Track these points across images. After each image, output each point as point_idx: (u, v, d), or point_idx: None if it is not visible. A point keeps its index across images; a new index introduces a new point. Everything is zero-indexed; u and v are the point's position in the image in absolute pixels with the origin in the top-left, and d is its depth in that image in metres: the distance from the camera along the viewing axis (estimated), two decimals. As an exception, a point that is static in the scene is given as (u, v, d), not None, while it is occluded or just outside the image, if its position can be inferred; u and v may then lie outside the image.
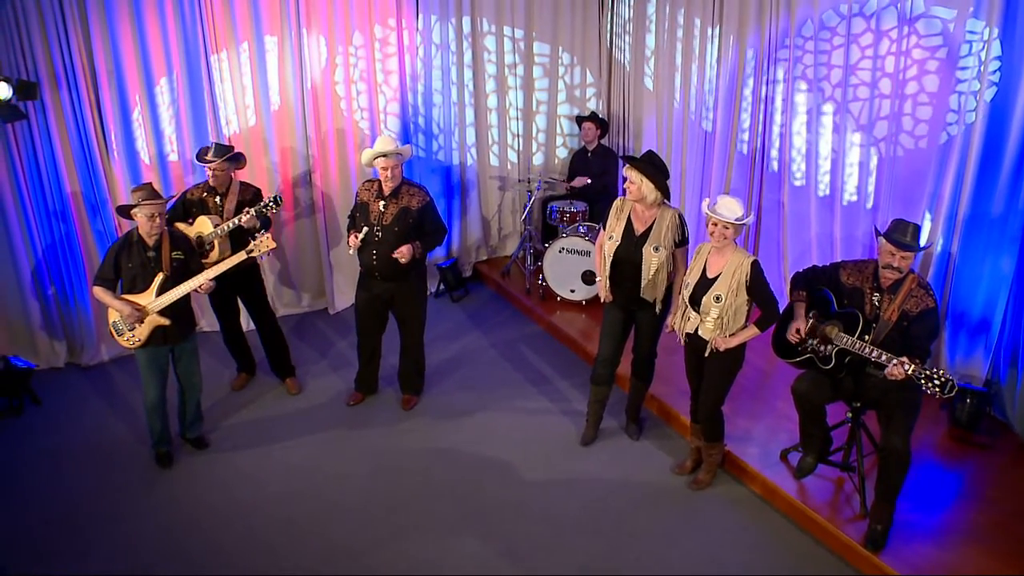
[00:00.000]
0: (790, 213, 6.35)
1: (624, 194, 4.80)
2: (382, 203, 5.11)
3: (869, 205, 5.74)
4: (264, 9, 6.28)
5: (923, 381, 3.74)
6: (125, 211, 4.71)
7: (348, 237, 5.23)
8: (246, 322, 5.94)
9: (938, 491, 4.65)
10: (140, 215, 4.59)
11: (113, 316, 4.74)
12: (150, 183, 4.76)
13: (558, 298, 6.96)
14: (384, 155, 4.99)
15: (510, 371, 6.19)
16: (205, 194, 5.37)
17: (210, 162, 5.24)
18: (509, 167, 7.85)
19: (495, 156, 7.79)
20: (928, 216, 5.32)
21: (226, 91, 6.37)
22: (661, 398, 5.50)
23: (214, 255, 5.19)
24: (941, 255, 5.30)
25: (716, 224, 4.27)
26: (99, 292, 4.74)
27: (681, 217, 4.77)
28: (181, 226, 5.32)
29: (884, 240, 4.07)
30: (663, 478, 4.93)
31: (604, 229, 4.87)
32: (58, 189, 5.94)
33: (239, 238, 5.20)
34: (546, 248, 6.90)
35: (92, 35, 5.79)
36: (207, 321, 6.64)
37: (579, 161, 7.49)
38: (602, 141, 7.40)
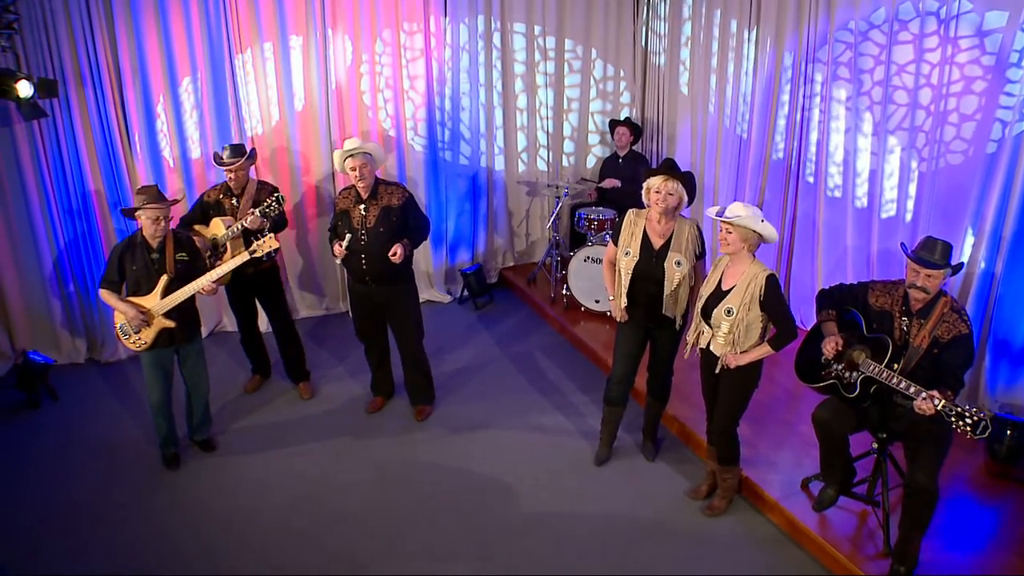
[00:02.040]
0: (825, 225, 6.01)
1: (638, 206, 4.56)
2: (362, 207, 4.93)
3: (908, 219, 5.38)
4: (289, 9, 6.20)
5: (953, 419, 3.41)
6: (131, 213, 4.64)
7: (332, 248, 5.05)
8: (264, 324, 5.85)
9: (971, 530, 4.28)
10: (144, 218, 4.51)
11: (119, 319, 4.67)
12: (155, 185, 4.67)
13: (582, 308, 6.73)
14: (351, 155, 4.82)
15: (526, 383, 5.98)
16: (221, 196, 5.30)
17: (228, 165, 5.15)
18: (538, 172, 7.65)
19: (523, 162, 7.60)
20: (971, 233, 4.95)
21: (250, 91, 6.31)
22: (680, 418, 5.23)
23: (227, 258, 5.09)
24: (984, 275, 4.92)
25: (720, 228, 4.03)
26: (105, 295, 4.68)
27: (699, 228, 4.50)
28: (199, 228, 5.25)
29: (909, 258, 3.75)
30: (677, 502, 4.66)
31: (614, 243, 4.61)
32: (81, 187, 5.94)
33: (257, 237, 5.06)
34: (571, 256, 6.66)
35: (117, 34, 5.79)
36: (229, 320, 6.60)
37: (610, 167, 7.25)
38: (634, 147, 7.13)
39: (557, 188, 7.07)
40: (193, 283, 4.62)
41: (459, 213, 7.40)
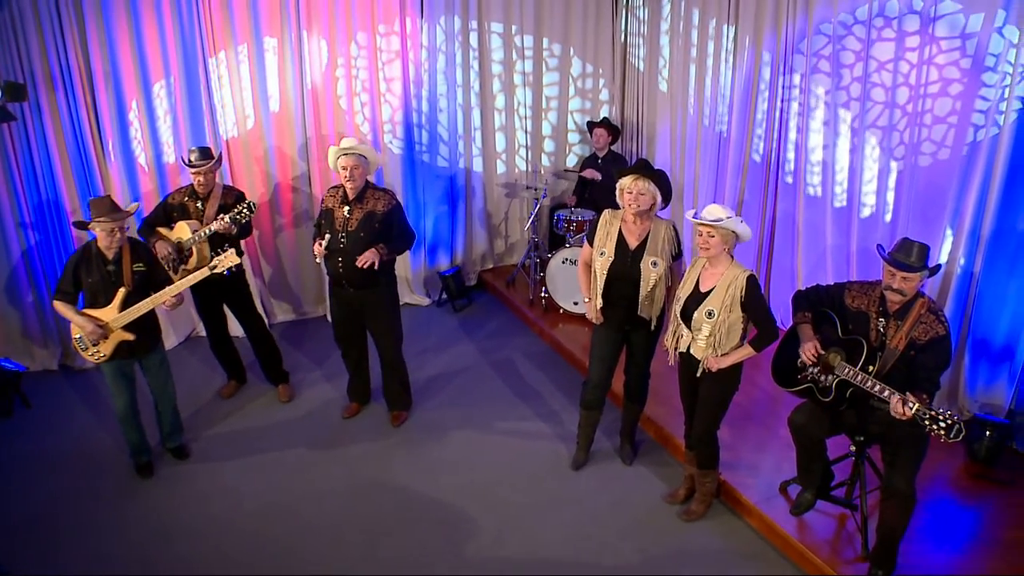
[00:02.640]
0: (804, 225, 5.93)
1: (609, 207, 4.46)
2: (346, 208, 4.82)
3: (888, 218, 5.30)
4: (263, 10, 6.08)
5: (927, 422, 3.33)
6: (83, 227, 4.44)
7: (313, 246, 4.95)
8: (236, 328, 5.74)
9: (950, 532, 4.21)
10: (98, 230, 4.34)
11: (76, 331, 4.50)
12: (109, 196, 4.47)
13: (561, 310, 6.63)
14: (345, 153, 4.71)
15: (504, 387, 5.88)
16: (186, 199, 5.17)
17: (197, 167, 5.04)
18: (517, 173, 7.55)
19: (502, 163, 7.49)
20: (950, 232, 4.88)
21: (224, 94, 6.17)
22: (658, 421, 5.14)
23: (193, 261, 4.99)
24: (963, 275, 4.84)
25: (701, 232, 3.92)
26: (60, 307, 4.50)
27: (675, 228, 4.41)
28: (163, 231, 5.13)
29: (885, 261, 3.67)
30: (654, 507, 4.57)
31: (590, 244, 4.52)
32: (53, 192, 5.82)
33: (220, 244, 4.97)
34: (550, 258, 6.57)
35: (88, 36, 5.65)
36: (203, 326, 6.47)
37: (589, 167, 7.13)
38: (613, 148, 7.03)
39: (536, 189, 6.97)
40: (151, 298, 4.44)
41: (437, 215, 7.29)
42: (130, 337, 4.44)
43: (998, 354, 4.80)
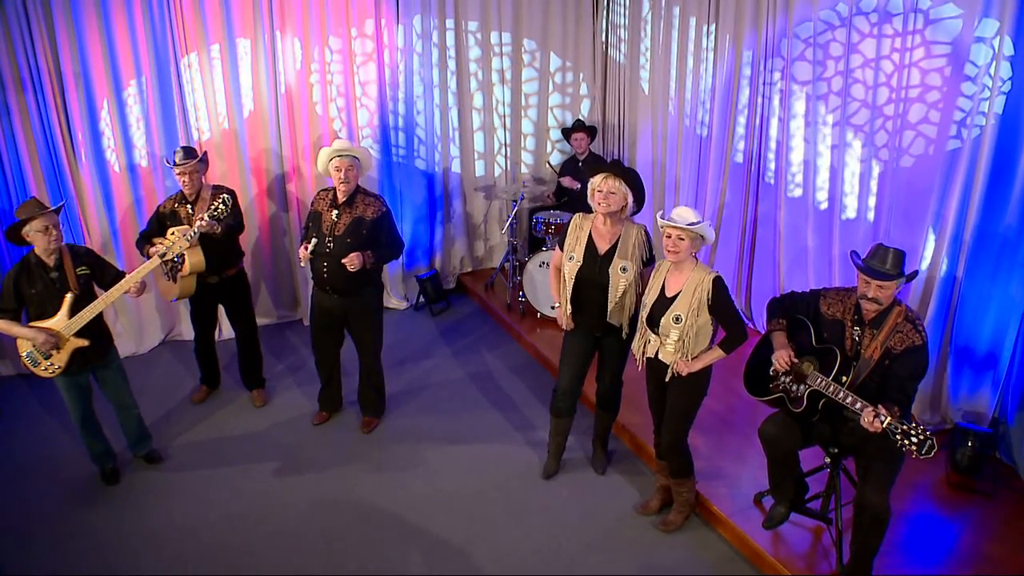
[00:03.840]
0: (786, 227, 5.73)
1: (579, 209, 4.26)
2: (335, 212, 4.64)
3: (870, 218, 5.10)
4: (236, 10, 5.88)
5: (899, 436, 3.13)
6: (15, 234, 4.08)
7: (299, 249, 4.77)
8: (220, 333, 5.56)
9: (931, 545, 4.00)
10: (33, 231, 4.04)
11: (24, 347, 4.22)
12: (35, 198, 4.21)
13: (538, 315, 6.42)
14: (339, 155, 4.54)
15: (478, 393, 5.68)
16: (176, 204, 4.98)
17: (181, 165, 4.84)
18: (496, 175, 7.34)
19: (481, 164, 7.28)
20: (932, 235, 4.67)
21: (197, 95, 5.98)
22: (632, 429, 4.94)
23: (187, 267, 4.76)
24: (945, 279, 4.63)
25: (669, 235, 3.71)
26: (2, 325, 4.15)
27: (647, 233, 4.21)
28: (158, 241, 4.93)
29: (858, 268, 3.47)
30: (626, 517, 4.36)
31: (560, 248, 4.32)
32: (24, 194, 5.61)
33: (213, 246, 4.78)
34: (528, 261, 6.36)
35: (58, 36, 5.46)
36: (186, 327, 6.29)
37: (569, 169, 6.93)
38: (592, 148, 6.82)
39: (514, 192, 6.77)
40: (104, 297, 4.22)
41: (416, 218, 7.08)
42: (84, 343, 4.20)
43: (981, 361, 4.59)
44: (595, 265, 4.15)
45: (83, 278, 4.27)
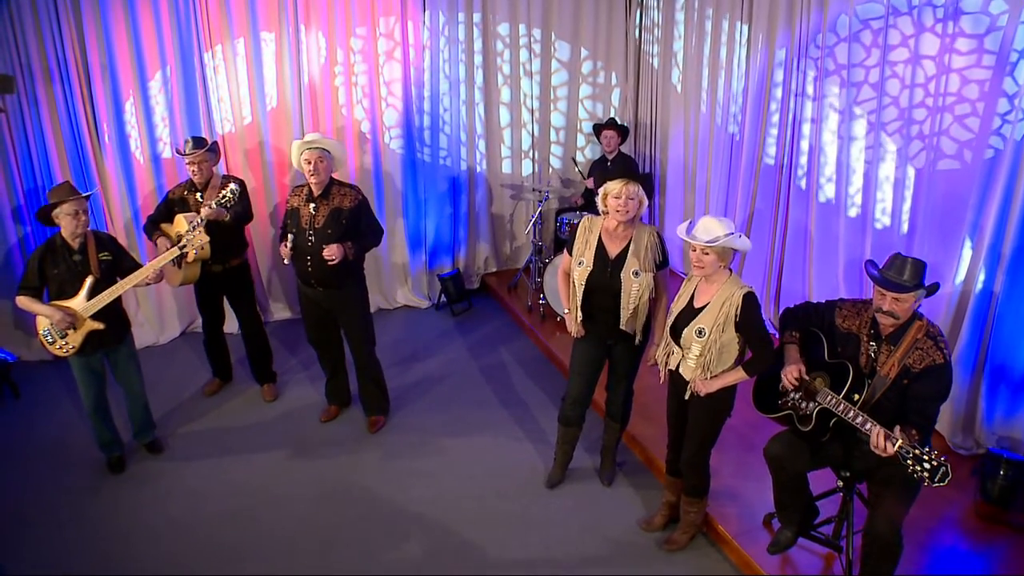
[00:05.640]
0: (817, 235, 5.40)
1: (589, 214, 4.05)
2: (312, 206, 4.53)
3: (903, 228, 4.76)
4: (260, 4, 5.83)
5: (909, 462, 2.85)
6: (46, 215, 4.20)
7: (280, 247, 4.67)
8: (229, 326, 5.51)
9: (953, 581, 3.69)
10: (63, 215, 4.14)
11: (43, 324, 4.30)
12: (67, 182, 4.29)
13: (558, 318, 6.21)
14: (308, 147, 4.42)
15: (491, 396, 5.49)
16: (186, 192, 4.95)
17: (189, 155, 4.80)
18: (524, 175, 7.14)
19: (508, 162, 7.09)
20: (969, 245, 4.32)
21: (221, 88, 5.94)
22: (644, 441, 4.69)
23: (191, 255, 4.73)
24: (982, 294, 4.27)
25: (694, 249, 3.44)
26: (24, 301, 4.27)
27: (659, 235, 3.97)
28: (165, 226, 4.93)
29: (873, 279, 3.19)
30: (628, 534, 4.13)
31: (568, 253, 4.11)
32: (49, 183, 5.65)
33: (219, 234, 4.72)
34: (550, 263, 6.16)
35: (85, 29, 5.49)
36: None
37: (598, 170, 6.70)
38: (622, 149, 6.58)
39: (540, 192, 6.57)
40: (121, 282, 4.27)
41: (439, 216, 6.93)
42: (100, 326, 4.25)
43: (1019, 382, 4.22)
44: (606, 270, 3.93)
45: (105, 264, 4.32)
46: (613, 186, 3.83)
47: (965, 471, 4.24)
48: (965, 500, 4.13)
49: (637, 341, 4.05)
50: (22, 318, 5.91)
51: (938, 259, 4.55)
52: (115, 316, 4.39)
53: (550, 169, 7.22)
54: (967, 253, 4.33)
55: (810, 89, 5.28)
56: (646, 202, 3.89)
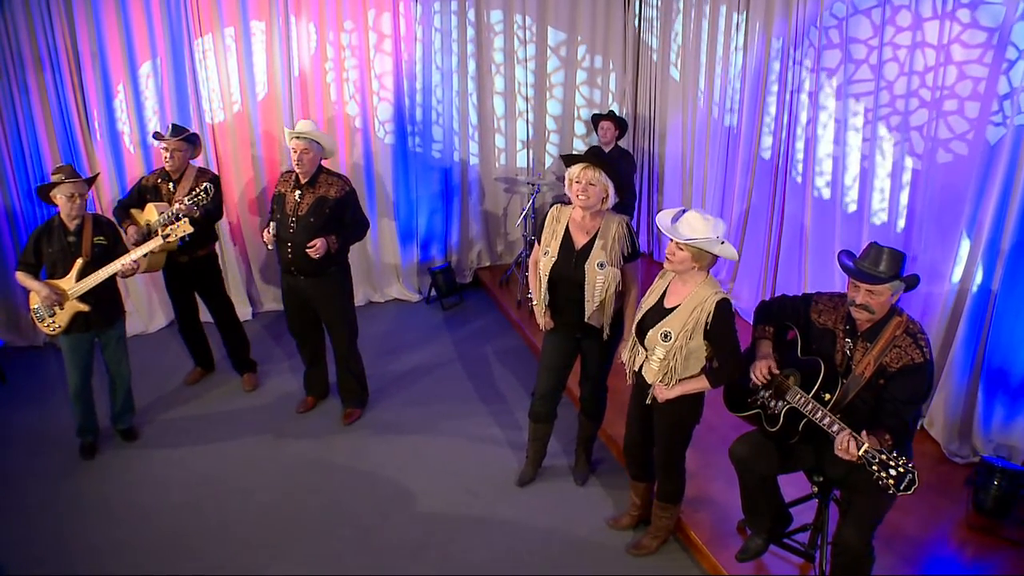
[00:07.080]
0: (812, 230, 5.11)
1: (559, 202, 3.83)
2: (297, 193, 4.38)
3: (901, 225, 4.46)
4: (251, -7, 5.70)
5: (875, 467, 2.58)
6: (45, 193, 4.24)
7: (263, 232, 4.53)
8: (205, 315, 5.39)
9: (938, 597, 3.39)
10: (60, 196, 4.17)
11: (35, 301, 4.31)
12: (70, 165, 4.29)
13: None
14: (297, 136, 4.28)
15: (472, 391, 5.29)
16: (159, 180, 4.84)
17: (165, 142, 4.69)
18: (517, 167, 6.92)
19: (503, 155, 6.88)
20: (966, 241, 4.01)
21: (211, 77, 5.83)
22: (620, 441, 4.39)
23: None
24: (979, 292, 3.97)
25: (671, 240, 3.18)
26: (21, 276, 4.34)
27: (629, 226, 3.72)
28: (135, 212, 4.83)
29: (844, 269, 2.92)
30: (598, 533, 3.90)
31: (538, 242, 3.90)
32: (40, 172, 5.60)
33: (194, 226, 4.57)
34: (540, 257, 5.92)
35: (76, 17, 5.41)
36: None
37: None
38: (620, 143, 6.33)
39: (532, 185, 6.34)
40: (107, 266, 4.25)
41: (431, 209, 6.74)
42: (85, 308, 4.25)
43: (1018, 387, 3.90)
44: (570, 261, 3.70)
45: (99, 247, 4.32)
46: (574, 170, 3.61)
47: (959, 480, 3.93)
48: (957, 511, 3.82)
49: (605, 336, 3.81)
50: (7, 304, 5.85)
51: (935, 256, 4.26)
52: (108, 300, 4.40)
53: (544, 161, 6.99)
54: (964, 250, 4.03)
55: (806, 78, 5.00)
56: (611, 192, 3.62)
